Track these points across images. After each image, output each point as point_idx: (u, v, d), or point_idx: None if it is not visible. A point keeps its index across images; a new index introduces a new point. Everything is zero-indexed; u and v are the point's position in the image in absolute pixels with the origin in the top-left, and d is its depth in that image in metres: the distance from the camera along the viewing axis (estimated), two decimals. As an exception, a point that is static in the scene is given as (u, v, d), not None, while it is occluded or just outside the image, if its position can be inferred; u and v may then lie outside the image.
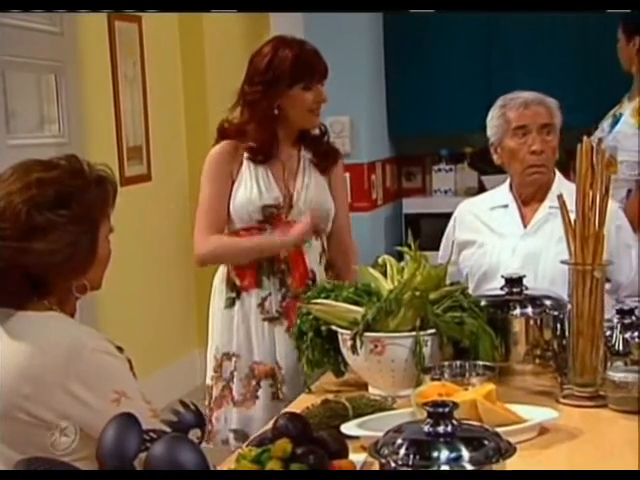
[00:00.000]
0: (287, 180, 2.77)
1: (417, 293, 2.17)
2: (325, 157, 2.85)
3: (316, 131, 2.86)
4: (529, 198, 2.85)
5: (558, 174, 2.84)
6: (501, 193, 2.92)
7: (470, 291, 2.61)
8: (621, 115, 3.75)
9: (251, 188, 2.73)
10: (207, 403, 2.82)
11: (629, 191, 3.67)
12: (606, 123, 3.81)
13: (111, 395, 1.73)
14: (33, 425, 1.72)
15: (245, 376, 2.74)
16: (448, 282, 2.34)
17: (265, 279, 2.73)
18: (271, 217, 2.73)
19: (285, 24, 5.01)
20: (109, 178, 1.90)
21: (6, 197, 1.78)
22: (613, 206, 2.77)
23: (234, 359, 2.76)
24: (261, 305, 2.74)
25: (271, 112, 2.72)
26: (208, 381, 2.83)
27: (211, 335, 2.84)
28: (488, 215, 2.91)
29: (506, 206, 2.88)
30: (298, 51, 2.72)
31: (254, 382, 2.73)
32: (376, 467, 1.48)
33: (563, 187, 2.66)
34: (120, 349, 1.84)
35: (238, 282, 2.76)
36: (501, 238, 2.85)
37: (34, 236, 1.76)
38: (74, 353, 1.75)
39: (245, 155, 2.75)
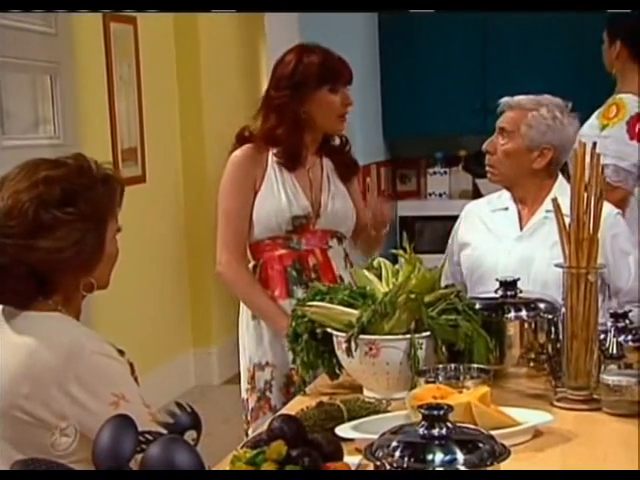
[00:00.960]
0: (313, 189, 2.78)
1: (412, 296, 2.17)
2: (346, 168, 2.87)
3: (337, 141, 2.86)
4: (524, 201, 2.86)
5: (560, 178, 2.83)
6: (505, 196, 2.93)
7: (468, 293, 2.62)
8: None
9: (279, 198, 2.71)
10: (244, 417, 2.81)
11: None
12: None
13: (110, 398, 1.73)
14: (32, 425, 1.73)
15: (284, 385, 2.73)
16: (445, 284, 2.34)
17: (296, 288, 2.73)
18: (300, 227, 2.73)
19: (280, 25, 5.00)
20: (116, 177, 1.92)
21: (13, 195, 1.78)
22: (611, 212, 2.76)
23: (270, 369, 2.75)
24: None
25: (299, 115, 2.71)
26: (243, 394, 2.81)
27: (242, 348, 2.82)
28: (489, 217, 2.92)
29: (506, 209, 2.89)
30: (323, 56, 2.74)
31: (293, 389, 2.69)
32: (371, 469, 1.48)
33: (563, 191, 2.65)
34: (121, 352, 1.84)
35: (269, 292, 2.75)
36: (498, 240, 2.86)
37: (41, 234, 1.77)
38: (73, 354, 1.75)
39: (273, 160, 2.73)
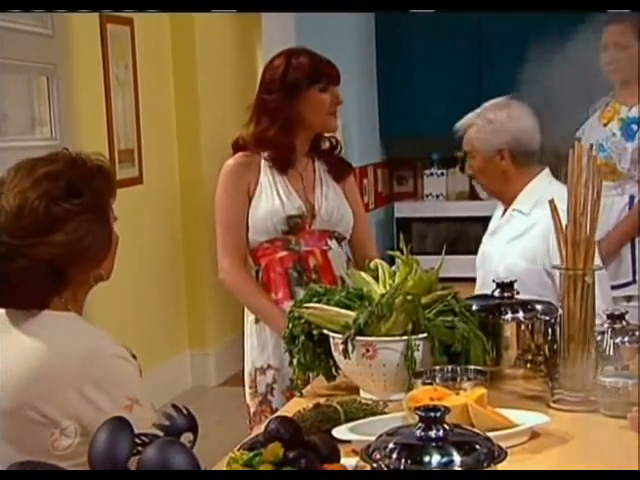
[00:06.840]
0: (306, 190, 2.80)
1: (409, 297, 2.17)
2: (338, 169, 2.89)
3: (326, 145, 2.89)
4: (508, 201, 2.95)
5: (540, 176, 2.86)
6: None
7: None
8: (631, 118, 3.73)
9: (272, 199, 2.74)
10: (248, 422, 2.81)
11: (631, 197, 3.67)
12: (615, 127, 3.77)
13: (124, 401, 1.74)
14: (43, 425, 1.72)
15: (287, 388, 2.73)
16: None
17: (298, 290, 2.73)
18: (296, 227, 2.75)
19: (276, 26, 5.01)
20: (107, 166, 1.92)
21: (20, 194, 1.78)
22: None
23: (272, 372, 2.76)
24: None
25: (292, 116, 2.74)
26: (247, 399, 2.82)
27: (246, 352, 2.83)
28: (494, 216, 3.05)
29: (499, 207, 3.02)
30: (311, 57, 2.78)
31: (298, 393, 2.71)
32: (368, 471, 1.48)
33: (534, 190, 2.77)
34: (134, 356, 1.85)
35: (272, 296, 2.76)
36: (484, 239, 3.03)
37: (54, 229, 1.77)
38: (92, 356, 1.76)
39: (265, 165, 2.76)
